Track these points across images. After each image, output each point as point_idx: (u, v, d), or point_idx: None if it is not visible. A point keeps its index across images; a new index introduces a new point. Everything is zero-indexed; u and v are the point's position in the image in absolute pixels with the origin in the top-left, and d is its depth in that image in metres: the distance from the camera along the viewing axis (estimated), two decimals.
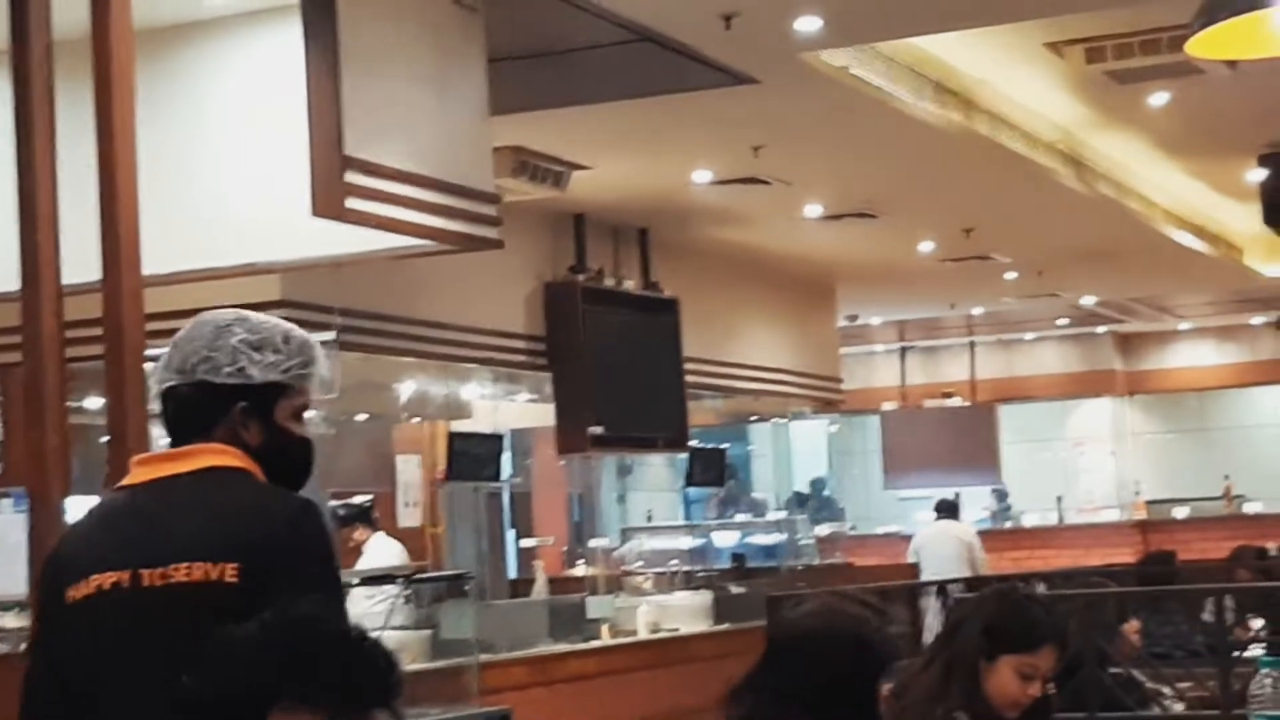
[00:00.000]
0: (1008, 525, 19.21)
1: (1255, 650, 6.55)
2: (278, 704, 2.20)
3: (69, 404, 5.25)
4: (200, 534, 2.76)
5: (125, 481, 2.91)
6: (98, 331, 5.06)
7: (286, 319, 8.55)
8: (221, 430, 2.86)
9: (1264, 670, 4.70)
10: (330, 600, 2.70)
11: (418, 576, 6.98)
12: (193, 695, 2.28)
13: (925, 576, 12.72)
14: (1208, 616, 6.87)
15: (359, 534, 9.10)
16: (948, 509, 14.65)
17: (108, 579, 2.78)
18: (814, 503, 17.19)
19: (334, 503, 9.13)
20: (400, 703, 2.33)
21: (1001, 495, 19.27)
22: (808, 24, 7.47)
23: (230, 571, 2.71)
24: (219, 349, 2.86)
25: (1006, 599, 3.78)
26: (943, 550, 13.88)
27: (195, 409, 2.87)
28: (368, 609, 7.35)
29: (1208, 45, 4.29)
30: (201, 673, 2.30)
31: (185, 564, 2.74)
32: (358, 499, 9.24)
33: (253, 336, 2.90)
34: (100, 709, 2.78)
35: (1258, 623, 7.53)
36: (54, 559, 2.92)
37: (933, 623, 9.50)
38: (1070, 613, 5.33)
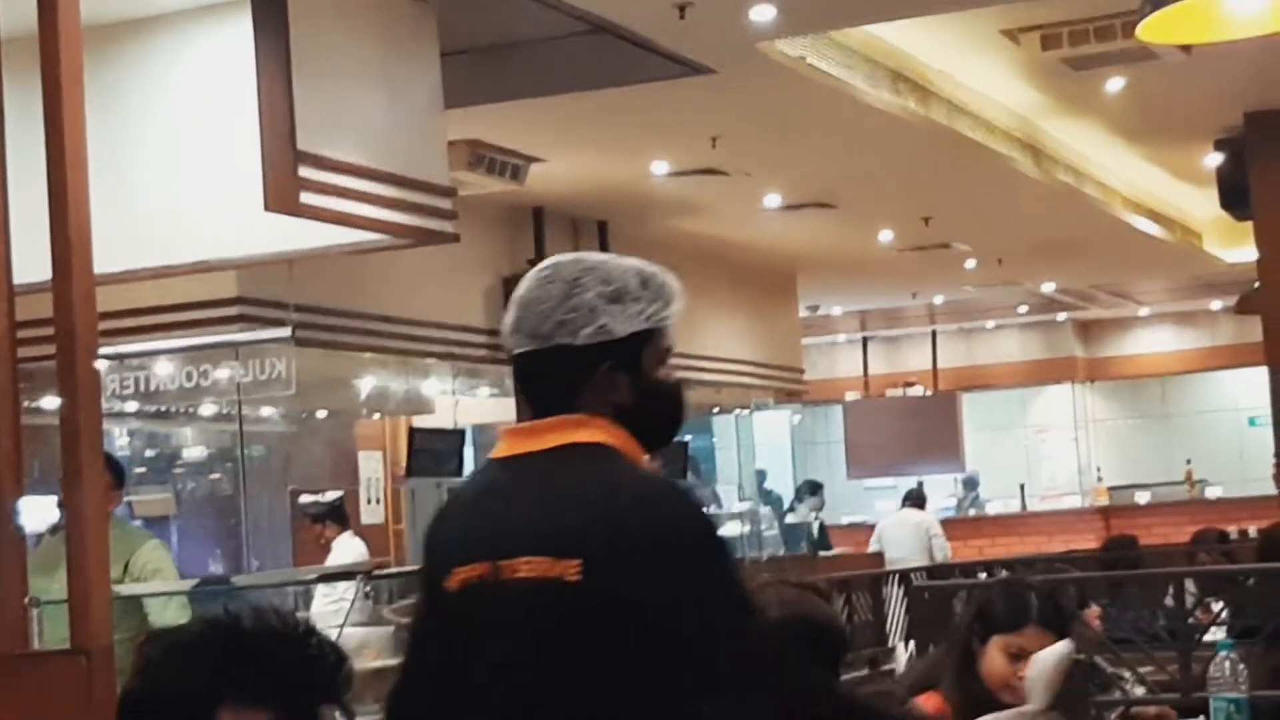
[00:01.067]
0: (971, 513, 19.27)
1: (1215, 634, 6.56)
2: (222, 704, 2.16)
3: (25, 404, 5.20)
4: (543, 524, 2.49)
5: (494, 453, 2.65)
6: (49, 331, 5.01)
7: (244, 316, 8.49)
8: (588, 396, 2.57)
9: (1223, 653, 4.72)
10: (724, 604, 2.44)
11: (378, 573, 6.96)
12: (137, 698, 2.25)
13: (886, 565, 12.77)
14: (1169, 601, 6.88)
15: (329, 532, 9.08)
16: (914, 498, 14.73)
17: (473, 571, 2.54)
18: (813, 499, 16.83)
19: (305, 499, 9.10)
20: (350, 698, 2.30)
21: (971, 483, 19.31)
22: (762, 13, 7.46)
23: (571, 570, 2.43)
24: (575, 308, 2.57)
25: (1002, 585, 3.84)
26: (901, 538, 13.95)
27: (556, 376, 2.58)
28: (326, 606, 7.32)
29: (1158, 29, 4.30)
30: (145, 672, 2.27)
31: (526, 559, 2.48)
32: (329, 496, 9.21)
33: (607, 288, 2.61)
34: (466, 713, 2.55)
35: (1218, 606, 7.54)
36: (429, 545, 2.68)
37: (896, 610, 9.54)
38: None
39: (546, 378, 2.59)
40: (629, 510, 2.44)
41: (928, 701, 3.63)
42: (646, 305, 2.65)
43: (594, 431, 2.54)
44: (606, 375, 2.57)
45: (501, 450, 2.62)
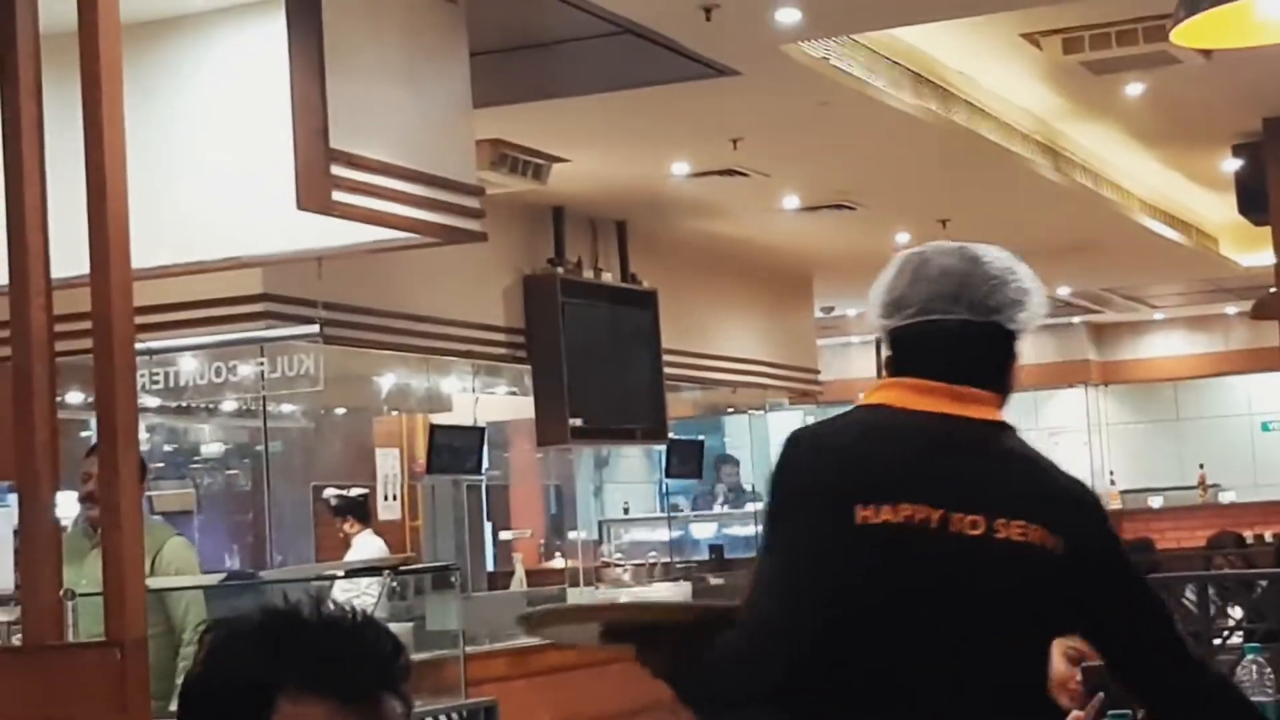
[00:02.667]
0: None
1: (1234, 638, 6.59)
2: (282, 692, 2.20)
3: None
4: (1028, 493, 2.68)
5: (904, 404, 2.75)
6: (86, 325, 5.05)
7: (269, 313, 8.58)
8: (1005, 379, 2.78)
9: (1249, 657, 4.75)
10: (1139, 580, 2.76)
11: (404, 569, 7.00)
12: (199, 685, 2.28)
13: None
14: (1192, 606, 6.90)
15: (350, 526, 9.10)
16: None
17: (920, 512, 2.64)
18: None
19: (329, 492, 9.13)
20: (407, 687, 2.34)
21: None
22: (787, 15, 7.49)
23: (1057, 543, 2.63)
24: (1017, 295, 2.77)
25: None
26: None
27: (985, 352, 2.76)
28: (349, 601, 7.36)
29: (1192, 34, 4.32)
30: (206, 661, 2.30)
31: (1020, 521, 2.63)
32: (354, 491, 9.25)
33: (1029, 284, 2.81)
34: (870, 649, 2.65)
35: (1236, 611, 7.57)
36: (831, 465, 2.73)
37: None
38: None
39: (974, 349, 2.75)
40: (1080, 494, 2.72)
41: None
42: (1041, 312, 2.83)
43: (1001, 415, 2.75)
44: (1014, 364, 2.79)
45: (920, 404, 2.73)
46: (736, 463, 16.29)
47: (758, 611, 2.71)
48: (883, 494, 2.64)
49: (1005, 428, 2.74)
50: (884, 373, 2.84)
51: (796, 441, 2.82)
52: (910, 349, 2.79)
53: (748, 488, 16.09)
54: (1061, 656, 3.70)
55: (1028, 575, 2.64)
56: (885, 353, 2.85)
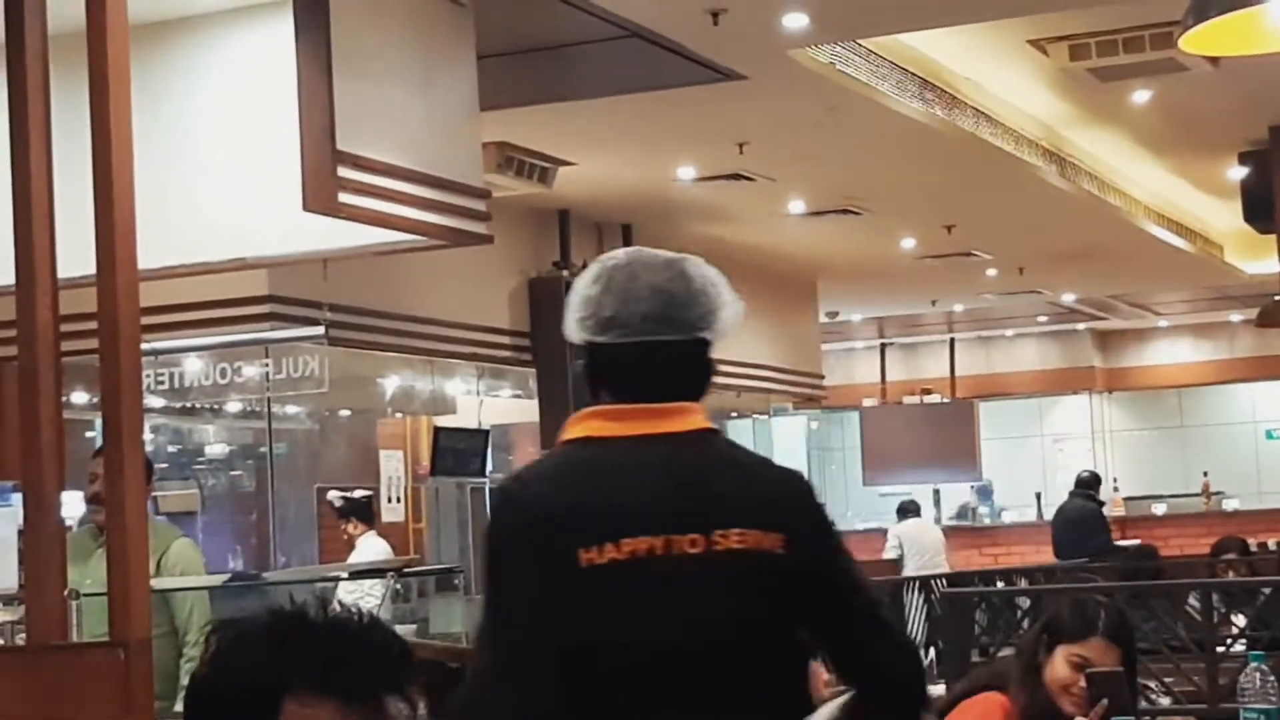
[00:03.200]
0: (986, 521, 19.28)
1: (1237, 646, 6.59)
2: (289, 692, 2.20)
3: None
4: (742, 497, 2.66)
5: (609, 433, 2.70)
6: (91, 325, 5.05)
7: (274, 314, 8.57)
8: (705, 387, 2.76)
9: (1252, 665, 4.75)
10: (852, 563, 2.75)
11: (408, 571, 7.00)
12: (205, 686, 2.28)
13: (909, 571, 12.79)
14: (1195, 613, 6.91)
15: (353, 528, 9.10)
16: (914, 509, 14.80)
17: (642, 544, 2.60)
18: None
19: (334, 494, 9.13)
20: (414, 689, 2.34)
21: (985, 493, 19.32)
22: (794, 20, 7.50)
23: (777, 541, 2.63)
24: (714, 306, 2.75)
25: (1073, 598, 3.96)
26: (924, 546, 14.01)
27: (690, 365, 2.73)
28: (354, 603, 7.35)
29: (1199, 41, 4.33)
30: (212, 663, 2.30)
31: (737, 529, 2.62)
32: (358, 493, 9.25)
33: (726, 293, 2.77)
34: (602, 687, 2.61)
35: (1240, 619, 7.57)
36: (546, 522, 2.62)
37: (916, 617, 9.56)
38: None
39: (681, 367, 2.72)
40: (792, 487, 2.72)
41: (991, 700, 3.72)
42: (736, 320, 2.78)
43: (708, 423, 2.72)
44: (713, 372, 2.76)
45: (625, 430, 2.69)
46: None
47: (483, 671, 2.65)
48: (604, 533, 2.59)
49: (713, 433, 2.72)
50: (581, 381, 2.79)
51: (506, 492, 2.75)
52: (617, 368, 2.72)
53: None
54: (1064, 662, 3.71)
55: (756, 580, 2.63)
56: (580, 364, 2.79)
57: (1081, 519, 14.15)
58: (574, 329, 2.75)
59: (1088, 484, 14.68)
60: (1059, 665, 3.71)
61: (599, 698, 2.60)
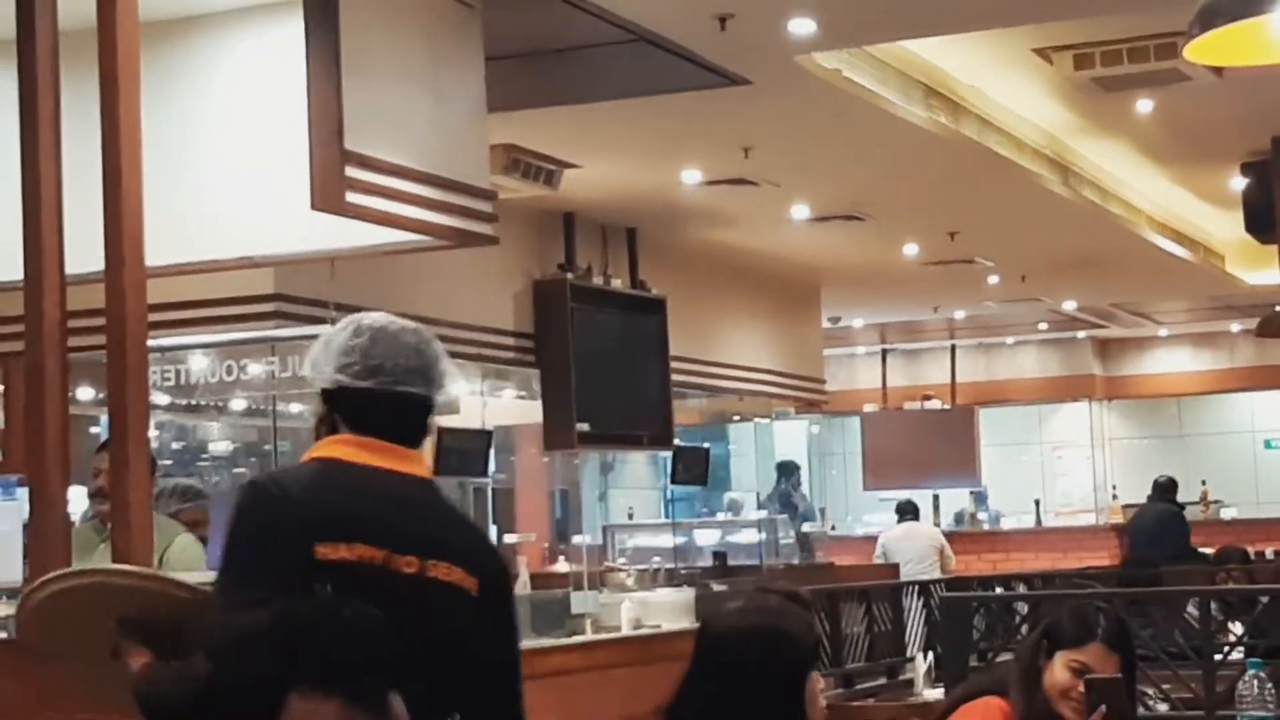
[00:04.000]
0: (985, 527, 19.31)
1: (1235, 654, 6.62)
2: (293, 689, 2.22)
3: None
4: (452, 539, 3.09)
5: (350, 459, 3.08)
6: (99, 322, 5.08)
7: (280, 313, 8.55)
8: (421, 442, 3.18)
9: (1251, 672, 4.77)
10: (515, 630, 3.19)
11: None
12: (207, 685, 2.30)
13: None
14: (1193, 620, 6.94)
15: None
16: (913, 511, 14.82)
17: (369, 551, 2.99)
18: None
19: None
20: (419, 687, 2.36)
21: (981, 498, 19.34)
22: (801, 26, 7.52)
23: (474, 583, 3.05)
24: (445, 368, 3.19)
25: (1073, 604, 3.96)
26: (911, 550, 14.05)
27: (421, 418, 3.16)
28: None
29: (1204, 51, 4.36)
30: (215, 661, 2.32)
31: (445, 563, 3.03)
32: None
33: (448, 365, 3.22)
34: None
35: (1237, 626, 7.60)
36: (293, 509, 3.01)
37: (915, 621, 9.58)
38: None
39: (418, 418, 3.15)
40: (490, 545, 3.22)
41: (991, 704, 3.76)
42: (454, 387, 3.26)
43: (427, 470, 3.19)
44: (430, 427, 3.19)
45: (370, 460, 3.09)
46: (797, 468, 16.17)
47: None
48: (339, 534, 2.97)
49: (434, 484, 3.19)
50: (322, 422, 3.17)
51: (255, 485, 3.12)
52: (371, 409, 3.10)
53: (749, 496, 16.10)
54: (1064, 668, 3.74)
55: (452, 609, 3.03)
56: (322, 404, 3.17)
57: (1162, 523, 14.13)
58: (329, 372, 3.13)
59: (1167, 488, 14.68)
60: (1058, 671, 3.73)
61: None
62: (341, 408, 3.12)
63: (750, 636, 3.04)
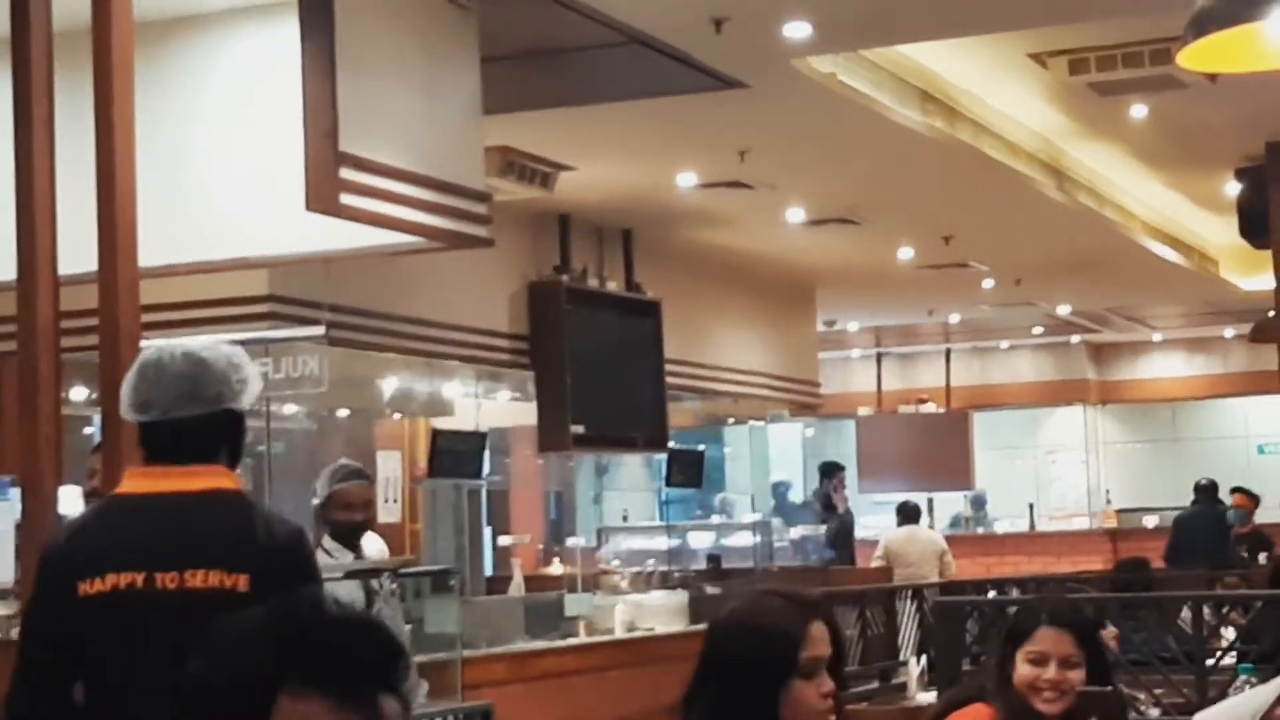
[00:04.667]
0: (979, 531, 19.32)
1: (1227, 659, 6.62)
2: (284, 689, 2.21)
3: None
4: (223, 544, 3.26)
5: (132, 490, 3.36)
6: (92, 322, 5.08)
7: (274, 314, 8.52)
8: (230, 451, 3.40)
9: (1243, 677, 4.78)
10: None
11: (404, 571, 7.02)
12: (199, 684, 2.29)
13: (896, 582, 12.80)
14: (1186, 625, 6.94)
15: None
16: (913, 514, 14.75)
17: (126, 578, 3.25)
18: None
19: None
20: (408, 687, 2.36)
21: (979, 502, 19.35)
22: (797, 30, 7.53)
23: (238, 580, 3.23)
24: (239, 381, 3.39)
25: (1021, 605, 4.04)
26: (912, 554, 14.02)
27: (211, 437, 3.36)
28: (351, 601, 7.36)
29: (1198, 57, 4.35)
30: (208, 661, 2.31)
31: (203, 570, 3.23)
32: None
33: (243, 374, 3.42)
34: (108, 695, 3.26)
35: (1229, 631, 7.61)
36: (57, 561, 3.34)
37: (909, 625, 9.59)
38: None
39: (206, 436, 3.36)
40: (276, 538, 3.31)
41: (980, 712, 3.82)
42: (257, 389, 3.47)
43: (229, 481, 3.37)
44: (244, 432, 3.43)
45: (151, 487, 3.34)
46: (841, 468, 15.81)
47: (15, 671, 3.30)
48: (98, 568, 3.25)
49: (232, 493, 3.35)
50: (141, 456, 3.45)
51: (46, 544, 3.50)
52: (156, 440, 3.37)
53: (744, 499, 16.08)
54: (1024, 662, 3.80)
55: (219, 611, 2.80)
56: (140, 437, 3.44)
57: (1208, 525, 14.09)
58: (125, 411, 3.43)
59: (1210, 490, 14.66)
60: (1021, 667, 3.79)
61: (104, 705, 3.29)
62: (139, 437, 3.43)
63: (731, 635, 3.00)
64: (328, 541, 6.73)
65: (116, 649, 3.25)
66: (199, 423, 3.34)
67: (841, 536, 14.99)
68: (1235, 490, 15.62)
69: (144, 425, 3.39)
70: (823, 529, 14.91)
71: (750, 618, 2.97)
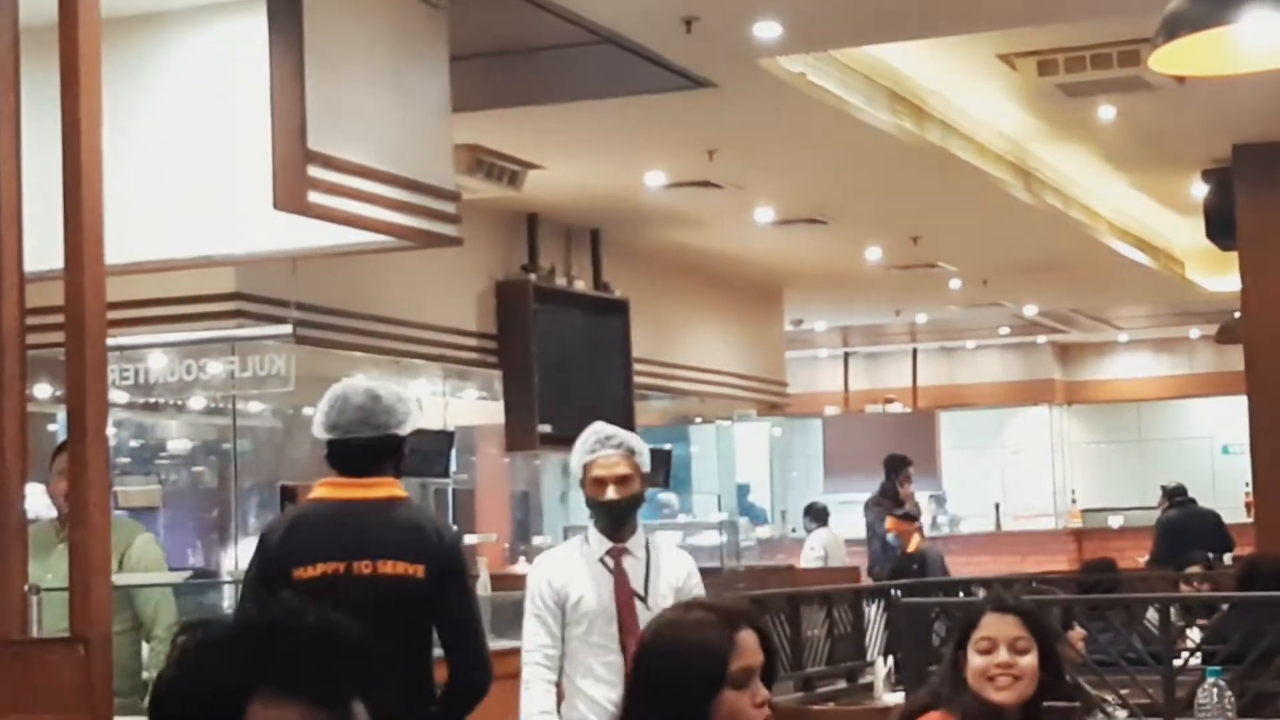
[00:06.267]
0: (945, 531, 19.36)
1: (1194, 660, 6.63)
2: (256, 696, 2.19)
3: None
4: (403, 540, 4.35)
5: (325, 496, 4.47)
6: (57, 319, 5.03)
7: (241, 312, 8.49)
8: (394, 467, 4.48)
9: (1211, 679, 4.79)
10: (468, 594, 4.48)
11: None
12: (170, 691, 2.27)
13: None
14: (1153, 626, 6.96)
15: None
16: (820, 515, 14.66)
17: (331, 566, 4.33)
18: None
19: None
20: (383, 693, 2.34)
21: (940, 500, 19.39)
22: (767, 30, 7.52)
23: (418, 569, 4.33)
24: (400, 416, 4.47)
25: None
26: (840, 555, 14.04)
27: (381, 455, 4.44)
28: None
29: (1168, 60, 4.36)
30: (178, 667, 2.29)
31: (391, 561, 4.32)
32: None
33: (405, 406, 4.52)
34: None
35: (1195, 633, 7.63)
36: (274, 549, 4.43)
37: (875, 625, 9.59)
38: None
39: (378, 454, 4.44)
40: (444, 539, 4.47)
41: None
42: (417, 418, 4.62)
43: (399, 489, 4.50)
44: (404, 451, 4.52)
45: (339, 495, 4.45)
46: (909, 463, 15.24)
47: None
48: (310, 559, 4.35)
49: (405, 500, 4.49)
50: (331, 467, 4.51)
51: (264, 531, 4.61)
52: (340, 454, 4.46)
53: (709, 499, 16.07)
54: (974, 652, 3.79)
55: (402, 594, 4.31)
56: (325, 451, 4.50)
57: (1204, 526, 13.93)
58: (317, 432, 4.48)
59: (1182, 491, 14.50)
60: (973, 659, 3.77)
61: None
62: (327, 452, 4.48)
63: (658, 652, 2.92)
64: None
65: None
66: (371, 443, 4.40)
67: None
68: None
69: (330, 442, 4.45)
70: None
71: (676, 632, 2.88)
